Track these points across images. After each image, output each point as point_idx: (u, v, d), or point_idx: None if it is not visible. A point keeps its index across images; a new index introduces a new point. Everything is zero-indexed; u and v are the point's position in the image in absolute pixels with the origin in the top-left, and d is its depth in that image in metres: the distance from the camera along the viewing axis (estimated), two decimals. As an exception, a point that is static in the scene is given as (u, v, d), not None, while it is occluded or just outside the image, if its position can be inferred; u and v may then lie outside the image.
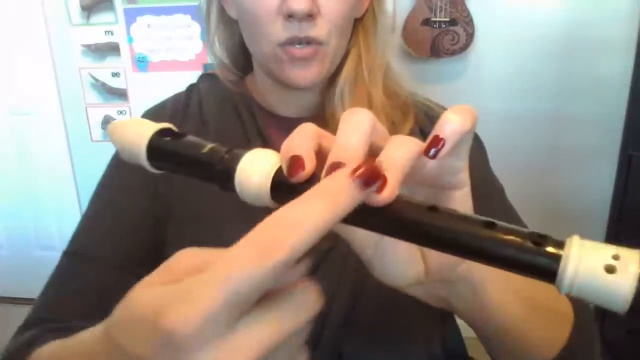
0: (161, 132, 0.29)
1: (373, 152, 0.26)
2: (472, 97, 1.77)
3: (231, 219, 0.51)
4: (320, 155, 0.25)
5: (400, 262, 0.29)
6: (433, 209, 0.23)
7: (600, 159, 1.80)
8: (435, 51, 1.65)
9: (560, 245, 0.21)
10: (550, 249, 0.21)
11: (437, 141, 0.25)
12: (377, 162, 0.24)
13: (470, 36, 1.64)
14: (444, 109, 0.60)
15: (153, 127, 0.29)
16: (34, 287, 2.19)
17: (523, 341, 0.39)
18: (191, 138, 0.29)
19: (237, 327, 0.20)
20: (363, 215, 0.24)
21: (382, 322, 0.49)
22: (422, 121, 0.58)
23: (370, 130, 0.25)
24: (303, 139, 0.25)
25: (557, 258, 0.21)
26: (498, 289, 0.34)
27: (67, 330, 0.41)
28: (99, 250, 0.51)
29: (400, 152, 0.24)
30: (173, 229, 0.53)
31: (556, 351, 0.42)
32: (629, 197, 1.72)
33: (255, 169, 0.26)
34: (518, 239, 0.22)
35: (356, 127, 0.25)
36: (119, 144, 0.30)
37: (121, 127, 0.30)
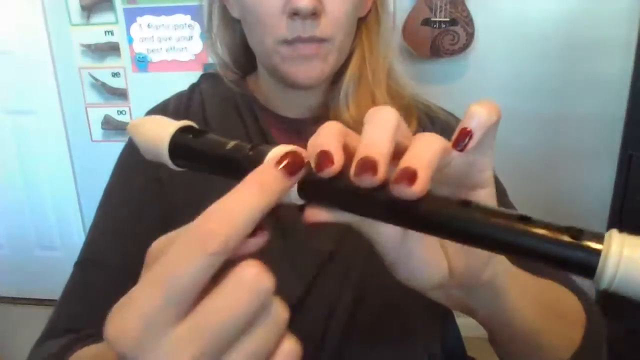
0: (183, 130, 0.29)
1: (397, 150, 0.25)
2: (472, 97, 1.76)
3: None
4: (346, 152, 0.25)
5: (425, 265, 0.29)
6: (466, 203, 0.23)
7: (600, 159, 1.80)
8: (435, 51, 1.65)
9: (599, 239, 0.21)
10: (589, 243, 0.21)
11: (465, 134, 0.25)
12: (405, 160, 0.24)
13: (470, 36, 1.64)
14: (444, 111, 0.60)
15: (174, 125, 0.29)
16: (34, 287, 2.20)
17: (538, 345, 0.39)
18: (212, 135, 0.29)
19: (180, 324, 0.20)
20: (395, 211, 0.23)
21: (383, 325, 0.49)
22: (424, 123, 0.58)
23: (396, 128, 0.25)
24: (330, 136, 0.25)
25: (596, 252, 0.20)
26: (518, 294, 0.34)
27: (93, 338, 0.43)
28: (111, 259, 0.51)
29: (427, 149, 0.24)
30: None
31: (569, 354, 0.42)
32: (629, 197, 1.72)
33: None
34: (555, 233, 0.21)
35: (382, 124, 0.25)
36: (141, 142, 0.30)
37: (142, 126, 0.30)
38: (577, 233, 0.21)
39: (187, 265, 0.19)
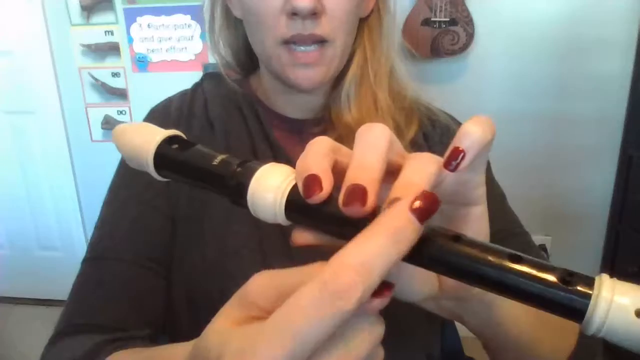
0: (169, 140, 0.28)
1: (390, 168, 0.25)
2: (472, 97, 1.77)
3: (235, 219, 0.51)
4: (336, 170, 0.24)
5: (415, 280, 0.29)
6: (457, 238, 0.22)
7: (600, 159, 1.80)
8: (435, 51, 1.65)
9: (589, 283, 0.20)
10: (579, 288, 0.20)
11: (457, 153, 0.24)
12: (397, 185, 0.23)
13: (470, 36, 1.64)
14: (445, 114, 0.60)
15: (160, 134, 0.28)
16: (34, 287, 2.20)
17: (531, 353, 0.39)
18: (200, 148, 0.27)
19: None
20: None
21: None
22: (425, 126, 0.57)
23: (387, 148, 0.25)
24: (318, 157, 0.24)
25: (586, 297, 0.20)
26: (510, 305, 0.34)
27: (127, 341, 0.43)
28: (123, 253, 0.51)
29: (420, 175, 0.23)
30: (180, 228, 0.53)
31: None
32: (629, 197, 1.72)
33: (270, 186, 0.24)
34: (545, 274, 0.20)
35: (373, 144, 0.24)
36: (125, 151, 0.29)
37: (127, 133, 0.29)
38: (567, 276, 0.20)
39: (320, 321, 0.18)
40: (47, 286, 2.35)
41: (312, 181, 0.23)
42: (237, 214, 0.51)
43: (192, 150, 0.27)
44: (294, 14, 0.46)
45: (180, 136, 0.28)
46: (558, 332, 0.42)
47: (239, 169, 0.25)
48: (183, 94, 0.60)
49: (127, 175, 0.56)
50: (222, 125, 0.55)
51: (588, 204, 1.85)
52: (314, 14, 0.46)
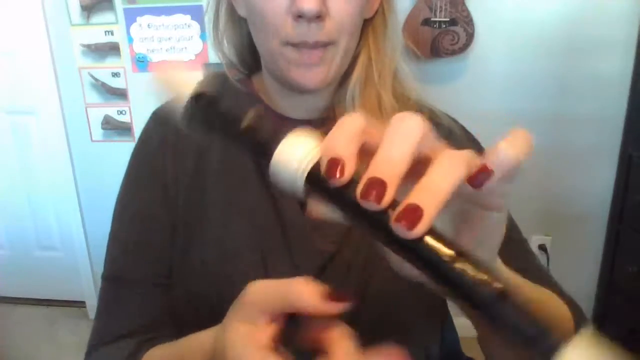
0: (198, 97, 0.28)
1: (419, 159, 0.24)
2: (472, 97, 1.77)
3: (233, 220, 0.51)
4: (364, 150, 0.24)
5: None
6: (461, 255, 0.22)
7: (600, 159, 1.80)
8: (435, 51, 1.65)
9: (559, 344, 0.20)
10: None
11: (485, 172, 0.24)
12: (416, 191, 0.23)
13: (470, 36, 1.64)
14: (448, 117, 0.59)
15: (191, 88, 0.28)
16: (34, 287, 2.20)
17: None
18: (229, 104, 0.28)
19: None
20: (389, 239, 0.23)
21: (383, 326, 0.50)
22: None
23: (419, 142, 0.24)
24: (347, 139, 0.24)
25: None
26: None
27: (160, 339, 0.46)
28: (134, 275, 0.54)
29: (445, 181, 0.23)
30: (179, 232, 0.53)
31: None
32: (629, 197, 1.71)
33: (295, 155, 0.24)
34: (523, 333, 0.21)
35: (403, 137, 0.24)
36: (162, 99, 0.30)
37: (163, 82, 0.30)
38: (541, 327, 0.21)
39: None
40: (47, 286, 2.35)
41: (335, 164, 0.23)
42: (236, 215, 0.51)
43: (221, 106, 0.28)
44: (299, 16, 0.46)
45: (210, 93, 0.29)
46: None
47: (268, 128, 0.26)
48: None
49: (130, 193, 0.56)
50: None
51: (588, 204, 1.85)
52: (319, 17, 0.46)
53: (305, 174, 0.24)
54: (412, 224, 0.21)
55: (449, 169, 0.23)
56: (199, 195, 0.53)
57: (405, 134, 0.24)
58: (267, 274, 0.49)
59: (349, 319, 0.49)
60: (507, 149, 0.24)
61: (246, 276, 0.50)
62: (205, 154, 0.54)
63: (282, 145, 0.25)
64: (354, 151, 0.24)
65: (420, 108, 0.58)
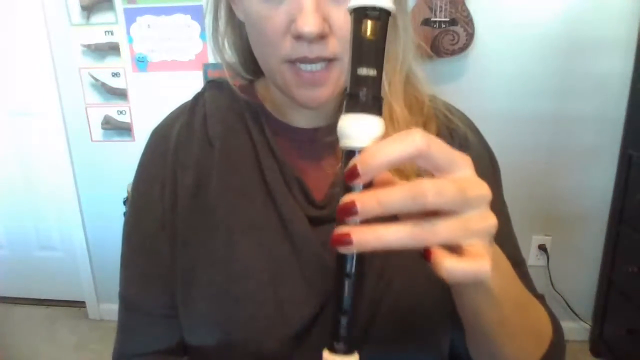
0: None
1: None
2: (472, 97, 1.77)
3: (239, 241, 0.50)
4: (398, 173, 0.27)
5: None
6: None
7: (600, 159, 1.80)
8: (436, 51, 1.65)
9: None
10: None
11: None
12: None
13: (470, 36, 1.64)
14: (463, 122, 0.57)
15: None
16: (34, 287, 2.20)
17: (502, 350, 0.40)
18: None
19: None
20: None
21: (397, 335, 0.49)
22: (444, 137, 0.54)
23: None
24: (384, 164, 0.26)
25: None
26: (500, 287, 0.34)
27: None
28: (142, 305, 0.55)
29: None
30: (180, 254, 0.52)
31: None
32: (629, 197, 1.72)
33: (358, 131, 0.28)
34: None
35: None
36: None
37: None
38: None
39: None
40: (47, 286, 2.36)
41: (354, 174, 0.26)
42: (241, 234, 0.49)
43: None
44: (299, 37, 0.42)
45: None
46: (533, 335, 0.43)
47: (365, 93, 0.29)
48: (182, 109, 0.57)
49: (135, 219, 0.55)
50: (222, 143, 0.52)
51: (588, 204, 1.85)
52: (322, 37, 0.43)
53: (344, 149, 0.29)
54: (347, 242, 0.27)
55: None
56: (200, 217, 0.51)
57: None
58: (276, 293, 0.48)
59: (366, 327, 0.49)
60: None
61: (255, 296, 0.48)
62: (205, 170, 0.51)
63: (350, 118, 0.29)
64: (384, 171, 0.26)
65: (436, 113, 0.56)
